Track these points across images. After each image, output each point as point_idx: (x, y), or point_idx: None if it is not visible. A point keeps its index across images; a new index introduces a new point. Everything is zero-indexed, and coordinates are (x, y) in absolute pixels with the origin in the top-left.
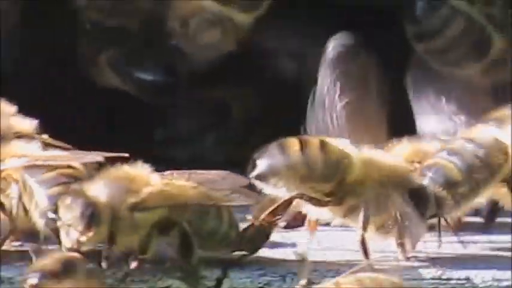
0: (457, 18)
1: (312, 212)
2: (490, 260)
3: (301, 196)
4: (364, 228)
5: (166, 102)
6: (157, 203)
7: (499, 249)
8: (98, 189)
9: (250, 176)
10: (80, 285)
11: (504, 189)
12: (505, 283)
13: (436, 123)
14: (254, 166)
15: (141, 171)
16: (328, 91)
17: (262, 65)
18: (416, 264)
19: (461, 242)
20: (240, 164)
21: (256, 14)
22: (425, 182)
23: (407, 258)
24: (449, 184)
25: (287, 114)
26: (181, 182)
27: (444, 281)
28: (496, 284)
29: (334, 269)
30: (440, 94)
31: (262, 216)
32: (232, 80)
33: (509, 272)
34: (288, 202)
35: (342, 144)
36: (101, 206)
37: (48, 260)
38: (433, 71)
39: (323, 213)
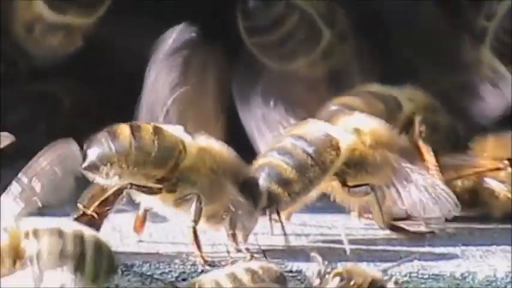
0: (291, 13)
1: (143, 201)
2: (321, 252)
3: (130, 186)
4: (196, 220)
5: None
6: None
7: (330, 241)
8: None
9: (81, 167)
10: None
11: (335, 183)
12: None
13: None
14: (85, 157)
15: None
16: (159, 84)
17: (97, 58)
18: (248, 256)
19: (285, 234)
20: None
21: (94, 17)
22: (260, 180)
23: (239, 250)
24: (284, 183)
25: (122, 108)
26: None
27: None
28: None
29: (166, 261)
30: (268, 92)
31: (93, 206)
32: (64, 73)
33: (341, 264)
34: (118, 192)
35: (176, 131)
36: None
37: None
38: (258, 69)
39: (154, 202)
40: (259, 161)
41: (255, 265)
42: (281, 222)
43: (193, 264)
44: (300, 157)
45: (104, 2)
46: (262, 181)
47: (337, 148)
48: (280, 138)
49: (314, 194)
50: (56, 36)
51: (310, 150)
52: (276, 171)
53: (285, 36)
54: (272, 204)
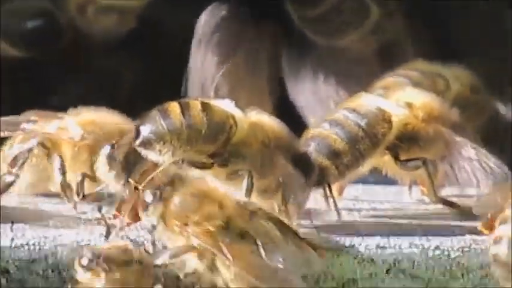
0: None
1: (195, 175)
2: (374, 227)
3: (182, 161)
4: (248, 194)
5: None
6: None
7: (382, 216)
8: None
9: (135, 144)
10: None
11: (387, 157)
12: (389, 250)
13: (314, 100)
14: (138, 134)
15: None
16: (207, 60)
17: (147, 34)
18: (300, 231)
19: (338, 210)
20: None
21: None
22: (309, 151)
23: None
24: (333, 155)
25: (174, 83)
26: None
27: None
28: (379, 251)
29: None
30: (319, 67)
31: (144, 182)
32: (115, 49)
33: (393, 239)
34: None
35: (226, 106)
36: None
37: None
38: (308, 44)
39: (206, 176)
40: (309, 133)
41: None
42: (333, 197)
43: None
44: (351, 129)
45: None
46: (312, 154)
47: (389, 121)
48: (332, 112)
49: (366, 168)
50: (108, 17)
51: (362, 122)
52: (325, 143)
53: (332, 10)
54: (321, 178)
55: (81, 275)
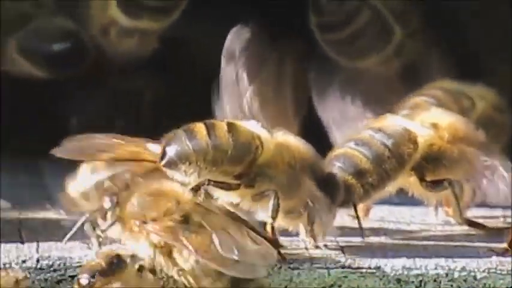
0: (363, 10)
1: (221, 196)
2: (400, 248)
3: (208, 182)
4: (274, 216)
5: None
6: None
7: (408, 238)
8: None
9: (160, 164)
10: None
11: (413, 178)
12: (415, 271)
13: (342, 119)
14: (163, 154)
15: None
16: (234, 81)
17: (174, 55)
18: (326, 252)
19: (362, 229)
20: None
21: (168, 21)
22: (335, 171)
23: (317, 246)
24: (359, 174)
25: (200, 104)
26: None
27: (354, 270)
28: (406, 272)
29: None
30: (345, 91)
31: None
32: (140, 70)
33: (418, 260)
34: (196, 188)
35: (252, 126)
36: None
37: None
38: (336, 64)
39: (232, 197)
40: (335, 152)
41: None
42: (358, 217)
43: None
44: (377, 148)
45: (177, 8)
46: (338, 173)
47: (415, 142)
48: (358, 131)
49: (392, 188)
50: (131, 39)
51: (388, 142)
52: (351, 162)
53: (356, 33)
54: (347, 198)
55: None
